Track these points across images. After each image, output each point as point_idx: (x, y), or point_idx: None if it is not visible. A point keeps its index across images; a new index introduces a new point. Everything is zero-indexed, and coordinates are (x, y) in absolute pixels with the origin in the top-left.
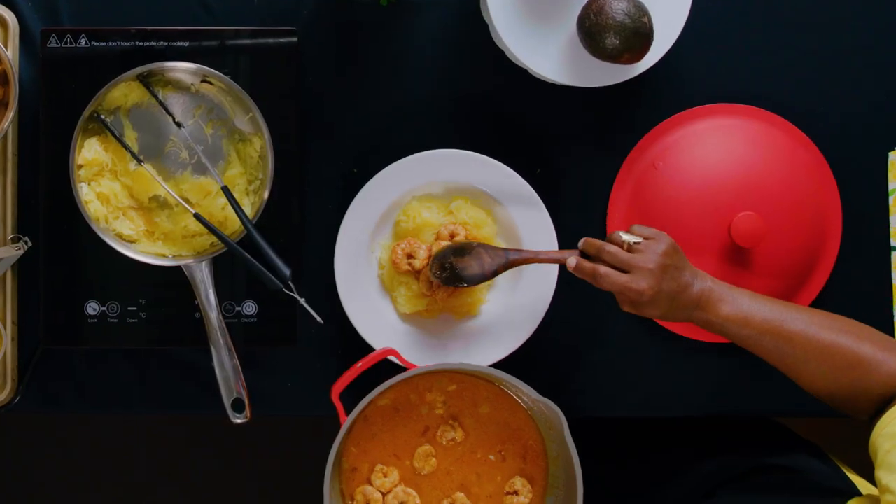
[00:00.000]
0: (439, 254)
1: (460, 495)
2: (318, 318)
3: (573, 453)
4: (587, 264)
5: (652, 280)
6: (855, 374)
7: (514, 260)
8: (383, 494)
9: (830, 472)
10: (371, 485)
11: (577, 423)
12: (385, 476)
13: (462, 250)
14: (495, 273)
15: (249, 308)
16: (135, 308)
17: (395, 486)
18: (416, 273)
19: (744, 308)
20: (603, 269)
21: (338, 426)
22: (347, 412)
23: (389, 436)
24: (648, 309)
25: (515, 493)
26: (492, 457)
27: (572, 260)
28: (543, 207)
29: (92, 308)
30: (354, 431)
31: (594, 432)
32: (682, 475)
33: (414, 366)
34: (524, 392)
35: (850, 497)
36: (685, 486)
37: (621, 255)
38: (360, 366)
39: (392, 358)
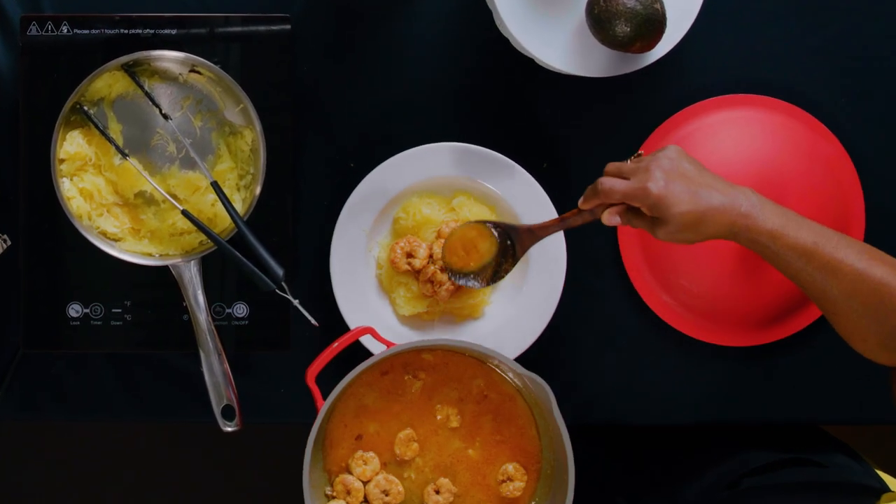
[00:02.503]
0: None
1: (445, 481)
2: (313, 321)
3: (563, 430)
4: (589, 188)
5: (655, 177)
6: (892, 318)
7: (539, 234)
8: (364, 483)
9: (862, 469)
10: (351, 473)
11: (585, 429)
12: (365, 463)
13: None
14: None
15: (240, 310)
16: (119, 310)
17: (376, 473)
18: (416, 273)
19: (791, 225)
20: (603, 178)
21: None
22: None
23: (376, 417)
24: (675, 218)
25: (509, 479)
26: (479, 441)
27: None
28: (550, 204)
29: (74, 310)
30: (337, 415)
31: (608, 434)
32: (704, 471)
33: (392, 343)
34: (511, 369)
35: (883, 493)
36: (706, 479)
37: (623, 165)
38: (336, 346)
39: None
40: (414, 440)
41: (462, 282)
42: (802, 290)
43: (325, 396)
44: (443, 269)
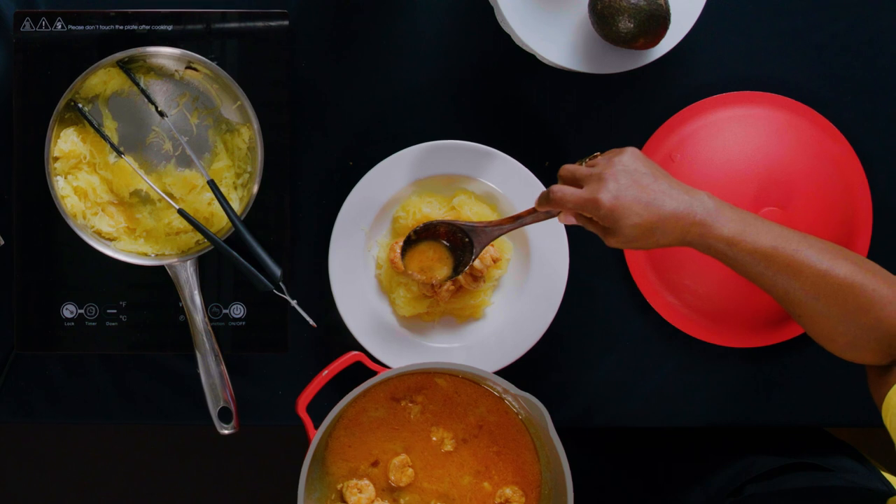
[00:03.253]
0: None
1: None
2: (311, 322)
3: (560, 451)
4: (542, 193)
5: (608, 188)
6: (868, 318)
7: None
8: None
9: (868, 472)
10: (345, 502)
11: (589, 431)
12: (360, 491)
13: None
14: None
15: (237, 311)
16: (114, 311)
17: (371, 502)
18: None
19: (749, 230)
20: (555, 187)
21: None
22: (318, 425)
23: (369, 445)
24: (625, 230)
25: (507, 502)
26: (477, 465)
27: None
28: None
29: (68, 310)
30: (335, 441)
31: (609, 437)
32: (707, 477)
33: (383, 369)
34: (506, 389)
35: (890, 496)
36: (710, 486)
37: (577, 170)
38: (326, 374)
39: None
40: (409, 466)
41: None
42: (765, 292)
43: (316, 424)
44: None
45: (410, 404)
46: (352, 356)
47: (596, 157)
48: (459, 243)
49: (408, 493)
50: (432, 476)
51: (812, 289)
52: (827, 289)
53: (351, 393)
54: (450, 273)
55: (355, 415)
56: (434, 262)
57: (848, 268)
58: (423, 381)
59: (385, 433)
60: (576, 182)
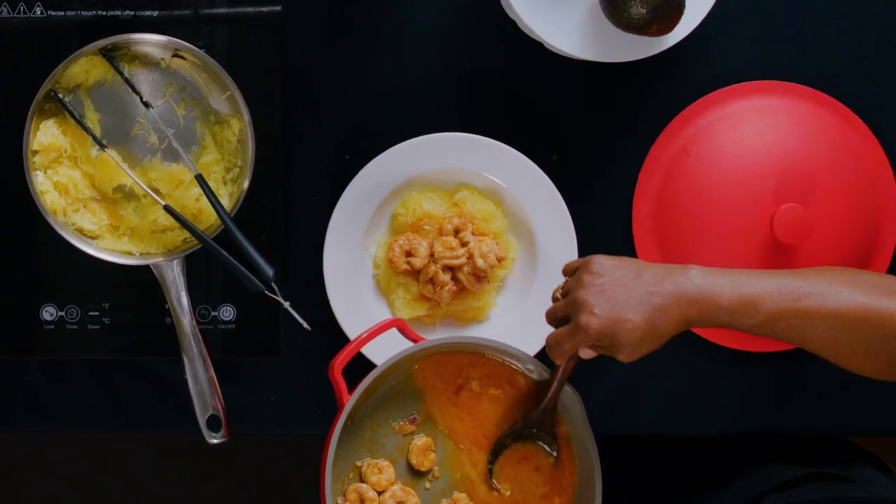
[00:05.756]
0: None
1: (462, 496)
2: (305, 325)
3: (591, 441)
4: (545, 349)
5: (589, 308)
6: (893, 343)
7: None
8: (379, 493)
9: (891, 483)
10: (365, 481)
11: (597, 439)
12: (380, 472)
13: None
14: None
15: (227, 313)
16: (97, 313)
17: (391, 484)
18: (416, 273)
19: (745, 293)
20: (548, 336)
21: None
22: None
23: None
24: (625, 340)
25: None
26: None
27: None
28: (560, 198)
29: (48, 313)
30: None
31: (619, 445)
32: (722, 487)
33: (422, 338)
34: (542, 373)
35: None
36: (725, 496)
37: (557, 309)
38: (366, 336)
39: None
40: (431, 450)
41: None
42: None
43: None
44: (449, 272)
45: (467, 380)
46: (391, 321)
47: (566, 278)
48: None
49: (429, 478)
50: (457, 463)
51: (829, 330)
52: (844, 326)
53: (388, 360)
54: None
55: (377, 386)
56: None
57: (860, 297)
58: (462, 360)
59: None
60: (562, 319)
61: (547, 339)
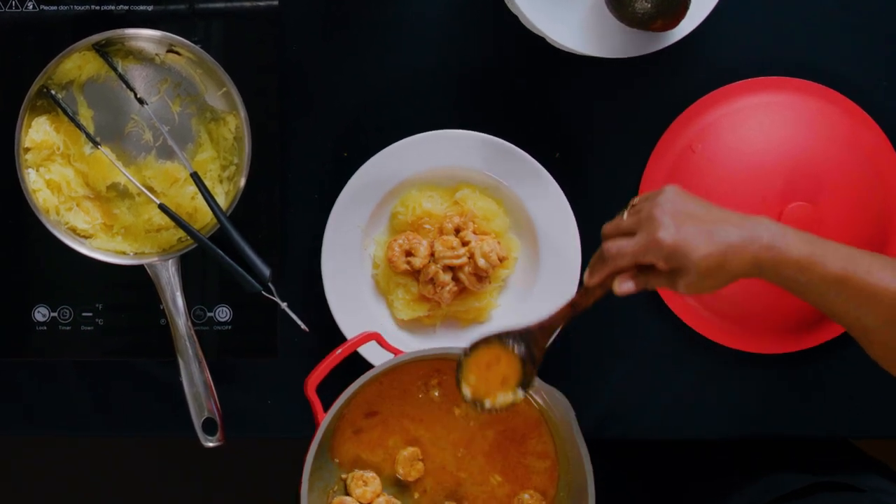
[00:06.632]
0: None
1: None
2: (303, 326)
3: (583, 452)
4: (594, 258)
5: (664, 224)
6: None
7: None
8: None
9: None
10: (350, 495)
11: (600, 444)
12: (365, 484)
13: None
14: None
15: (223, 314)
16: (90, 314)
17: (377, 496)
18: (416, 273)
19: (817, 251)
20: (606, 244)
21: None
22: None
23: (383, 430)
24: (695, 265)
25: None
26: (491, 463)
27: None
28: (563, 197)
29: (40, 314)
30: (343, 427)
31: (622, 449)
32: (729, 495)
33: (401, 351)
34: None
35: None
36: None
37: (622, 223)
38: (340, 353)
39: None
40: (419, 459)
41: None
42: (833, 320)
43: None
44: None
45: (429, 387)
46: (367, 335)
47: (633, 203)
48: (522, 357)
49: (417, 489)
50: (443, 472)
51: (886, 313)
52: None
53: (366, 374)
54: (518, 394)
55: (367, 398)
56: (509, 373)
57: None
58: (440, 366)
59: (399, 420)
60: (623, 235)
61: (604, 247)
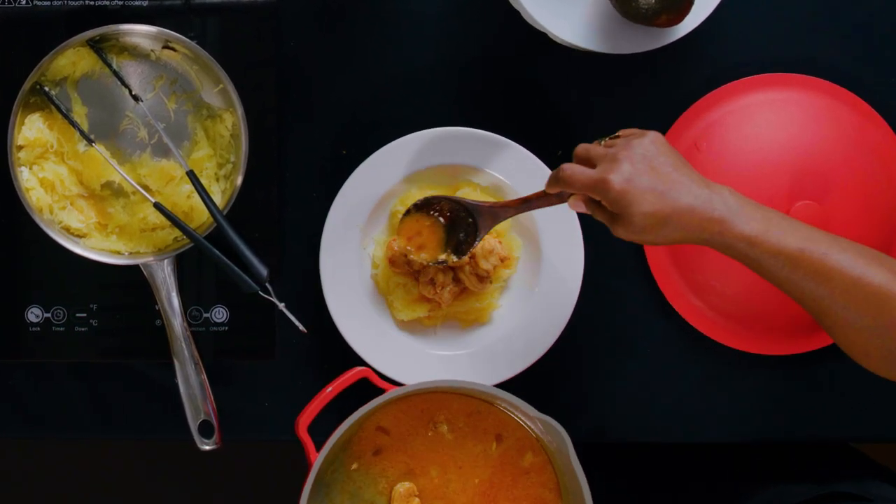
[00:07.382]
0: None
1: None
2: (301, 327)
3: (583, 483)
4: (552, 173)
5: (621, 169)
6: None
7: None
8: None
9: None
10: None
11: (602, 448)
12: None
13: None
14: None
15: (220, 314)
16: (85, 314)
17: None
18: (416, 273)
19: (773, 229)
20: (565, 165)
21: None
22: (319, 447)
23: (384, 465)
24: (634, 218)
25: None
26: (492, 496)
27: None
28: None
29: (34, 314)
30: (340, 464)
31: (627, 456)
32: None
33: (391, 387)
34: (524, 412)
35: None
36: None
37: (592, 149)
38: (330, 391)
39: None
40: (415, 496)
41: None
42: (794, 301)
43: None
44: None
45: (435, 423)
46: (358, 372)
47: (617, 136)
48: (463, 224)
49: None
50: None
51: (843, 297)
52: (859, 297)
53: (356, 413)
54: (446, 255)
55: (362, 436)
56: (428, 238)
57: (884, 276)
58: (440, 399)
59: (398, 456)
60: (589, 162)
61: (562, 167)
